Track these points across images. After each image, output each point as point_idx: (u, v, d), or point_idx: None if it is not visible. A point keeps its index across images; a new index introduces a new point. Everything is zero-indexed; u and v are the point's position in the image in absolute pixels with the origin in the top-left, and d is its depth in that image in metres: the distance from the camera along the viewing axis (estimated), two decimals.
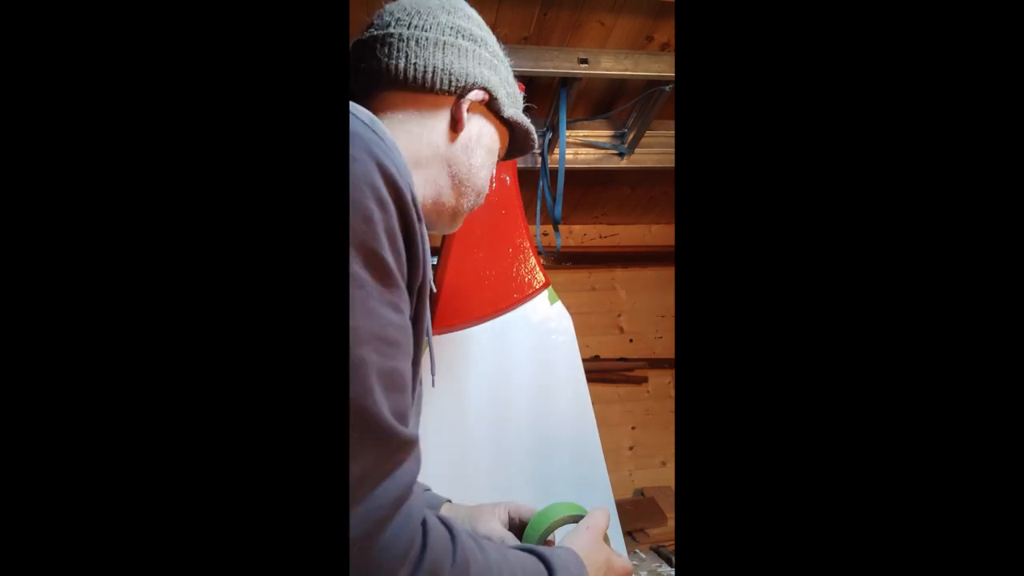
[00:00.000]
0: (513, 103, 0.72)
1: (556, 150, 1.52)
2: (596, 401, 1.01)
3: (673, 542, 1.80)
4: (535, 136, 0.77)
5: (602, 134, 1.60)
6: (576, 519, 0.69)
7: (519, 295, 1.01)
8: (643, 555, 1.68)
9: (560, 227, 1.56)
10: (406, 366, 0.50)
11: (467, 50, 0.65)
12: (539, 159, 1.55)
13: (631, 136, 1.56)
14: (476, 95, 0.65)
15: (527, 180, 1.62)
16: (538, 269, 1.03)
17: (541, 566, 0.55)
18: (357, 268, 0.46)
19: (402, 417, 0.48)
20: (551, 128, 1.51)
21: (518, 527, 0.73)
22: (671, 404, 2.26)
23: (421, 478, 0.92)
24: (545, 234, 2.01)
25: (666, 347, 2.31)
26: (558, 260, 2.04)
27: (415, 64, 0.63)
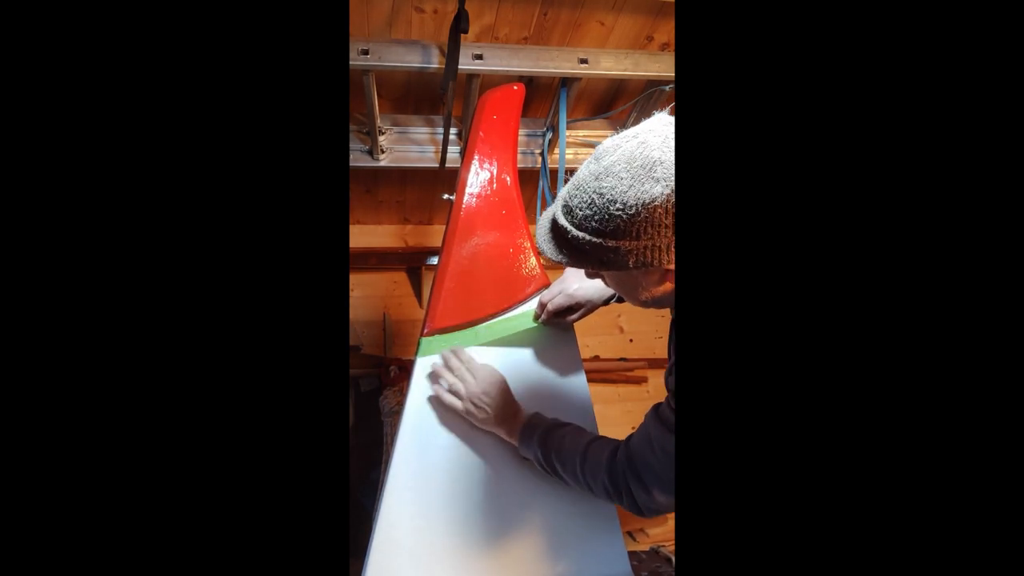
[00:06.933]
0: None
1: (556, 150, 1.52)
2: (596, 401, 1.01)
3: (673, 542, 1.80)
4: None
5: (602, 134, 1.60)
6: None
7: (520, 294, 1.01)
8: (643, 555, 1.68)
9: None
10: None
11: None
12: (539, 159, 1.55)
13: None
14: None
15: (527, 180, 1.62)
16: (539, 268, 1.03)
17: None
18: None
19: None
20: (551, 128, 1.51)
21: None
22: None
23: (421, 477, 0.92)
24: None
25: (666, 347, 2.31)
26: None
27: None
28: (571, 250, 0.65)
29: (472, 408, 0.90)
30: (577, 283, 0.96)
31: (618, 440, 0.80)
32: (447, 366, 0.93)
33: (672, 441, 0.69)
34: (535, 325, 0.99)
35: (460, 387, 0.91)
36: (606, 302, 0.97)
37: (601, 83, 1.51)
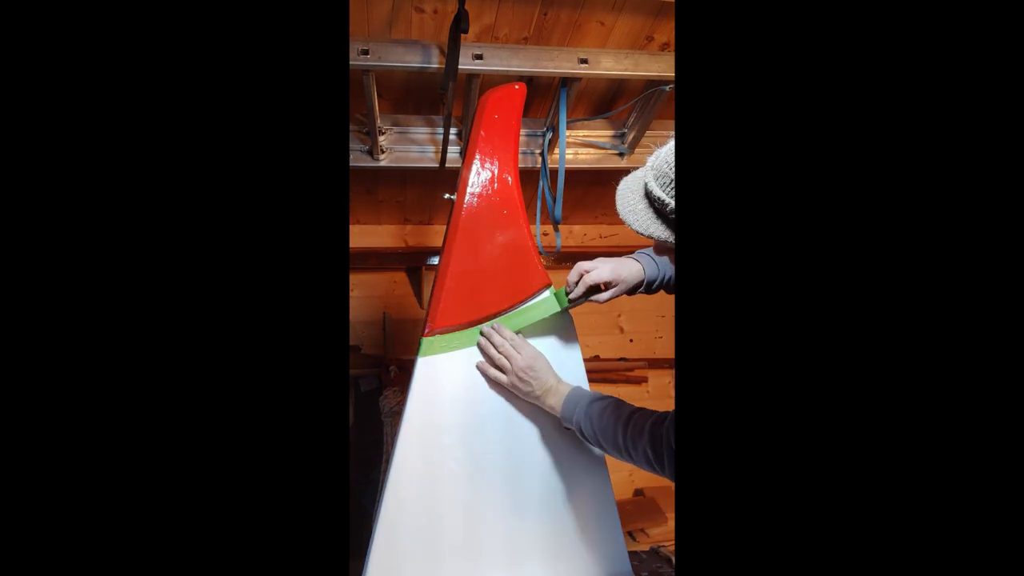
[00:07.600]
0: None
1: (556, 150, 1.52)
2: None
3: (673, 542, 1.80)
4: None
5: (602, 134, 1.60)
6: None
7: (521, 294, 1.01)
8: (643, 555, 1.68)
9: (560, 227, 1.56)
10: None
11: None
12: (539, 159, 1.55)
13: (631, 136, 1.56)
14: None
15: (527, 180, 1.61)
16: (540, 268, 1.03)
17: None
18: None
19: None
20: (551, 128, 1.51)
21: None
22: (671, 404, 2.25)
23: (421, 476, 0.92)
24: (545, 234, 2.01)
25: (666, 347, 2.31)
26: (558, 260, 2.04)
27: None
28: (669, 224, 0.60)
29: (517, 382, 0.94)
30: (611, 265, 0.97)
31: (659, 412, 0.83)
32: (491, 342, 0.97)
33: None
34: (535, 324, 0.99)
35: (506, 362, 0.95)
36: (632, 290, 0.98)
37: (601, 83, 1.51)
